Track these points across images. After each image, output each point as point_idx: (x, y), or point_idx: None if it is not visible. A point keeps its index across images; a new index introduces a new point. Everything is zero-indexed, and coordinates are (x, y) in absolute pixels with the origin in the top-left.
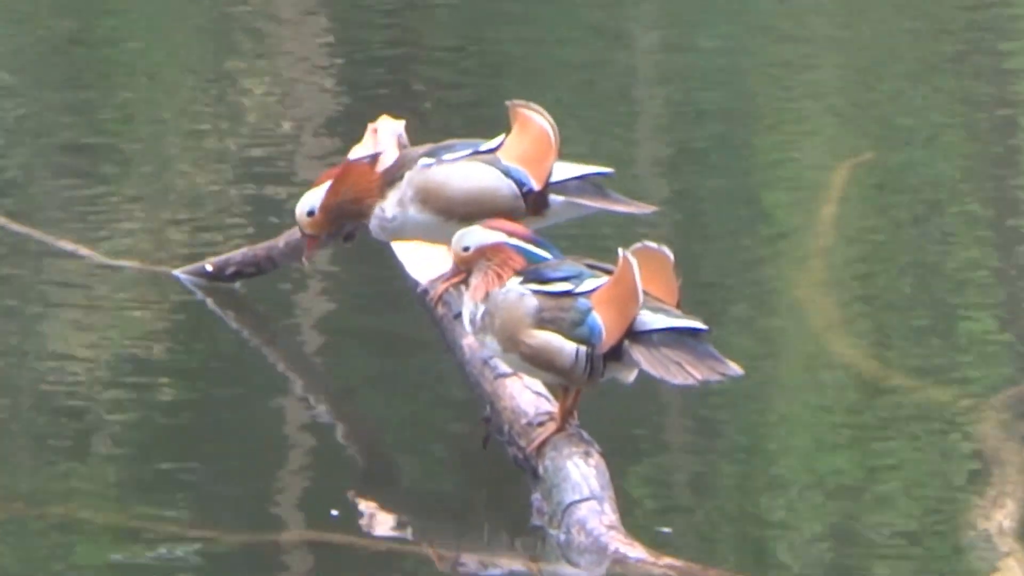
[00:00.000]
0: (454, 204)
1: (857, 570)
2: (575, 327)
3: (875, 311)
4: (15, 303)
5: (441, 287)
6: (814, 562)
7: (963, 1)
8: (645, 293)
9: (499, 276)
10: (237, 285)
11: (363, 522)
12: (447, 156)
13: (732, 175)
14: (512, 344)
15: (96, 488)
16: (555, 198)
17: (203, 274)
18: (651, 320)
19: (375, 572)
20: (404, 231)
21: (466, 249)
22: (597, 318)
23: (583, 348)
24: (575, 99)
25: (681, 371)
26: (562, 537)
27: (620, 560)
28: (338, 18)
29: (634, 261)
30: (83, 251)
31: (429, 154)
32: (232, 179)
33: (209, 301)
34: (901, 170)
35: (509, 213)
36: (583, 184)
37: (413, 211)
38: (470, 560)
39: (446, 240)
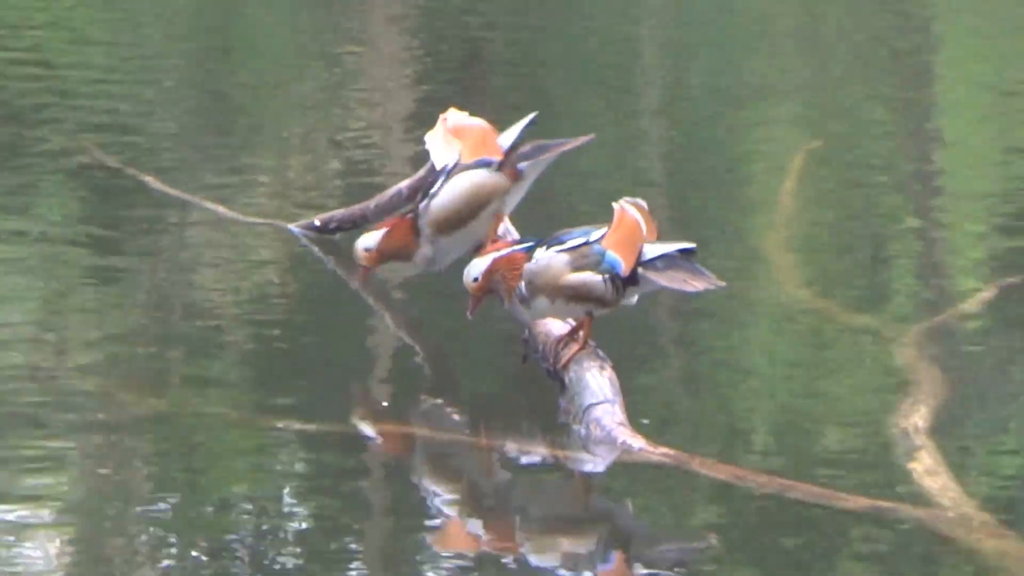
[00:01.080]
0: (560, 290)
1: (807, 452)
2: (599, 264)
3: (823, 261)
4: (170, 245)
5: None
6: (774, 448)
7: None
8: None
9: (513, 278)
10: (337, 237)
11: (430, 418)
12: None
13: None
14: (557, 291)
15: (224, 385)
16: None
17: (312, 228)
18: (652, 250)
19: (441, 457)
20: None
21: (476, 280)
22: (613, 254)
23: (608, 276)
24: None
25: (686, 283)
26: (582, 432)
27: (627, 449)
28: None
29: (629, 207)
30: (221, 209)
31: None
32: (335, 152)
33: (316, 249)
34: (845, 150)
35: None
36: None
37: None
38: (512, 448)
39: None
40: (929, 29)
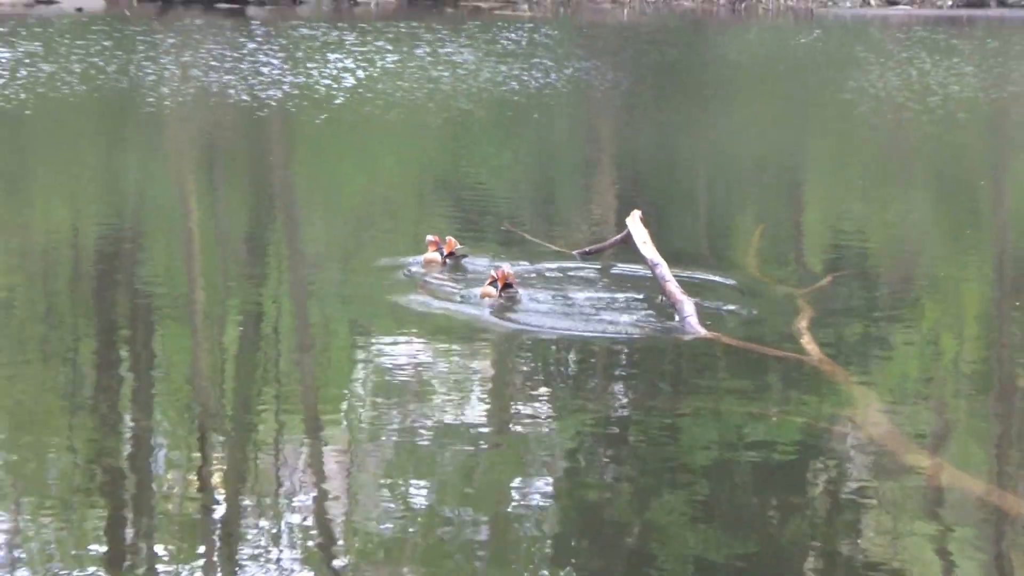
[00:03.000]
0: None
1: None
2: None
3: (766, 251)
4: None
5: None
6: None
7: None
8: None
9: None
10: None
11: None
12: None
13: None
14: None
15: None
16: None
17: (583, 254)
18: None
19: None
20: None
21: (494, 282)
22: None
23: None
24: None
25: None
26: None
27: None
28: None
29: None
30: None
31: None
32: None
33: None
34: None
35: None
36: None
37: None
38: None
39: None
40: None
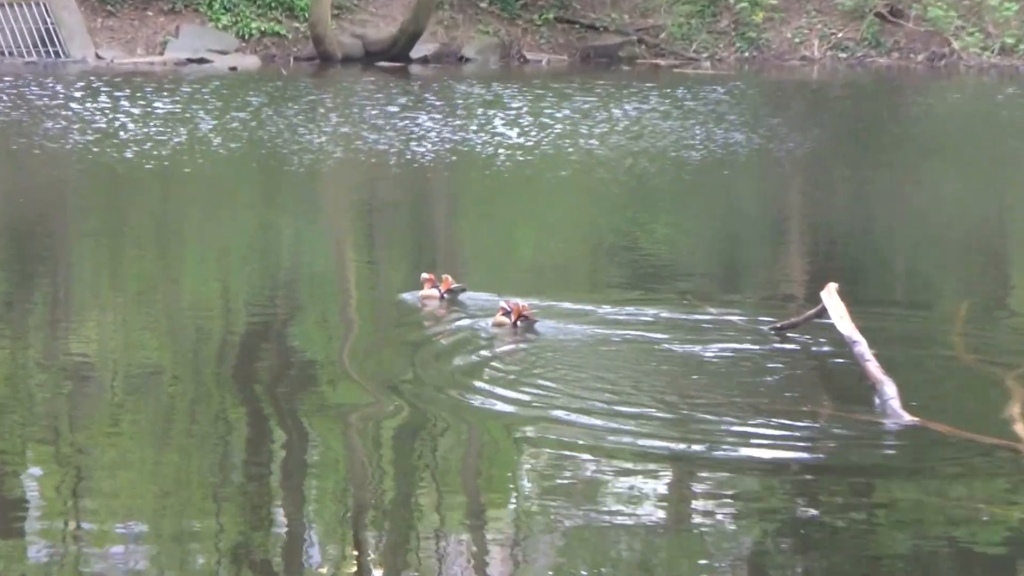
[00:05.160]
0: None
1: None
2: None
3: (971, 328)
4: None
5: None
6: None
7: None
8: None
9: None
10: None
11: None
12: None
13: None
14: None
15: None
16: None
17: (775, 329)
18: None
19: None
20: None
21: (507, 313)
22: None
23: None
24: None
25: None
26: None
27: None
28: None
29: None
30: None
31: None
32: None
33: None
34: None
35: None
36: None
37: None
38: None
39: None
40: None
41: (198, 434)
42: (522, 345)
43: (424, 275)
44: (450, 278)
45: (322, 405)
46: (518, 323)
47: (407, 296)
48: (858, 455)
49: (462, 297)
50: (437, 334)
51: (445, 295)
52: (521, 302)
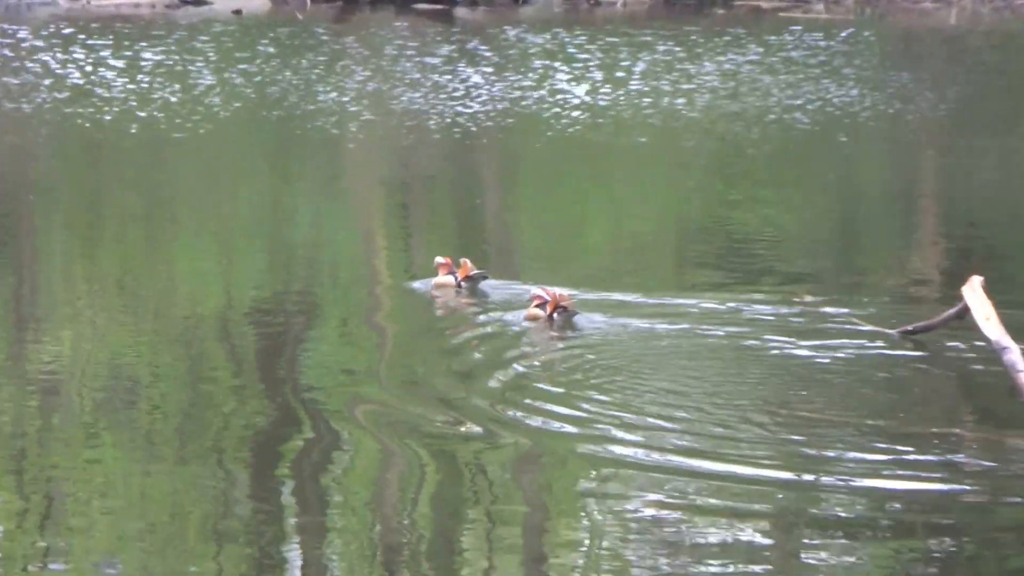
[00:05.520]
0: None
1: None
2: None
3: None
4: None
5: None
6: None
7: None
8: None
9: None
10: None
11: None
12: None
13: None
14: None
15: None
16: None
17: (905, 333)
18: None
19: None
20: None
21: (542, 304)
22: None
23: None
24: None
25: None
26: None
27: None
28: None
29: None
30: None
31: None
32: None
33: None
34: None
35: None
36: None
37: None
38: None
39: None
40: None
41: (192, 457)
42: (577, 345)
43: (438, 259)
44: (469, 263)
45: (341, 423)
46: (554, 315)
47: (418, 285)
48: (1013, 488)
49: (482, 285)
50: (459, 333)
51: (463, 283)
52: (558, 290)
